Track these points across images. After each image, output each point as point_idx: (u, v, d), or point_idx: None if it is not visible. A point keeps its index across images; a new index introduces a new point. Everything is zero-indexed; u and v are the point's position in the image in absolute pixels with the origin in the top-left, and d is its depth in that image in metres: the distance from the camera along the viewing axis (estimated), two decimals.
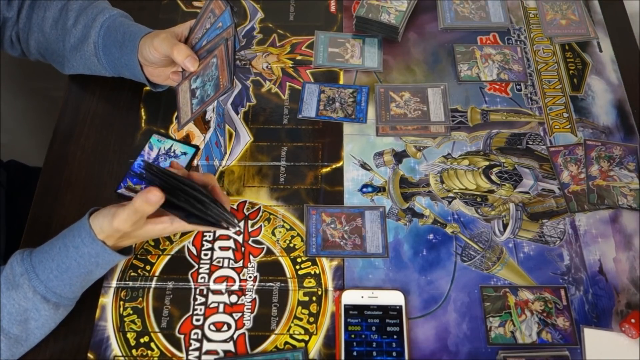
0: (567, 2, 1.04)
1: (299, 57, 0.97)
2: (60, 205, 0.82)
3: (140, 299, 0.75)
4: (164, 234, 0.71)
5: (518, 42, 0.99)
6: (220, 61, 0.74)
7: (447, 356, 0.72)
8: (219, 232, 0.80)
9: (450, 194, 0.84)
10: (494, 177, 0.86)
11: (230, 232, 0.80)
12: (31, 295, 0.66)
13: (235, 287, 0.76)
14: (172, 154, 0.86)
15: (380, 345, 0.71)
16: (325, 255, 0.78)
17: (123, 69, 0.85)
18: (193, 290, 0.76)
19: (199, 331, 0.73)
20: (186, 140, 0.87)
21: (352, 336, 0.71)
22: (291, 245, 0.79)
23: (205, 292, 0.76)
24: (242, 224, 0.81)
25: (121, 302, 0.75)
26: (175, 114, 0.89)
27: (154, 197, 0.64)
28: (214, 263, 0.78)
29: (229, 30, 0.75)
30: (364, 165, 0.86)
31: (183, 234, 0.79)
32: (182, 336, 0.73)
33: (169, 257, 0.78)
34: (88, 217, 0.69)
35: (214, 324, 0.74)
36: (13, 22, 0.85)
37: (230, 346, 0.72)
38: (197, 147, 0.86)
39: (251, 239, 0.80)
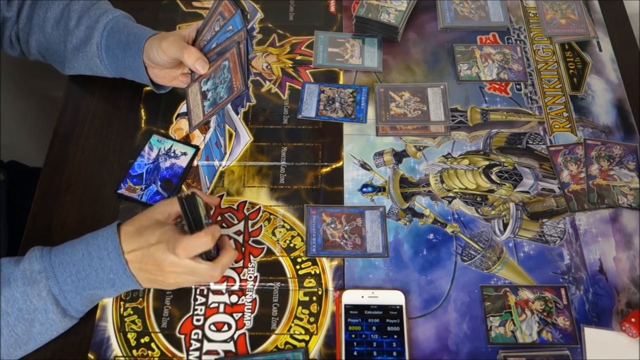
0: (566, 2, 1.04)
1: (298, 57, 0.97)
2: (60, 206, 0.82)
3: (141, 299, 0.75)
4: (172, 266, 0.67)
5: (518, 42, 0.99)
6: (233, 64, 0.75)
7: (447, 356, 0.72)
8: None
9: (450, 194, 0.84)
10: (494, 177, 0.86)
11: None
12: (45, 294, 0.66)
13: (236, 287, 0.76)
14: (172, 154, 0.86)
15: (381, 345, 0.71)
16: (325, 255, 0.78)
17: (126, 71, 0.85)
18: (193, 291, 0.76)
19: (199, 331, 0.73)
20: (186, 141, 0.87)
21: (353, 336, 0.71)
22: (291, 245, 0.79)
23: (205, 292, 0.76)
24: (242, 224, 0.81)
25: (121, 303, 0.75)
26: (176, 114, 0.89)
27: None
28: None
29: (240, 34, 0.76)
30: (364, 165, 0.86)
31: None
32: (182, 336, 0.73)
33: None
34: (117, 228, 0.68)
35: (214, 324, 0.74)
36: (13, 22, 0.85)
37: (230, 346, 0.72)
38: (197, 147, 0.86)
39: (251, 239, 0.80)
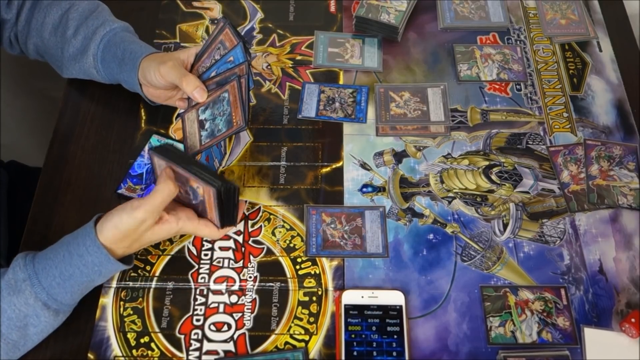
0: (566, 2, 1.04)
1: (298, 57, 0.97)
2: (60, 206, 0.82)
3: (141, 299, 0.75)
4: (169, 234, 0.72)
5: (518, 42, 0.99)
6: (233, 98, 0.74)
7: (447, 356, 0.72)
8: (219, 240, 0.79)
9: (450, 194, 0.84)
10: (493, 177, 0.86)
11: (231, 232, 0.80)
12: (32, 301, 0.66)
13: (236, 287, 0.76)
14: None
15: (381, 345, 0.71)
16: (325, 255, 0.78)
17: (123, 83, 0.85)
18: (193, 291, 0.76)
19: (199, 331, 0.73)
20: None
21: (353, 336, 0.71)
22: (291, 245, 0.79)
23: (205, 292, 0.76)
24: (242, 224, 0.81)
25: (121, 303, 0.75)
26: (176, 114, 0.89)
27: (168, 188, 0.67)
28: (214, 263, 0.78)
29: (242, 67, 0.74)
30: (364, 165, 0.86)
31: (182, 235, 0.79)
32: (182, 336, 0.73)
33: (169, 257, 0.78)
34: (94, 224, 0.68)
35: (214, 324, 0.74)
36: (12, 23, 0.85)
37: (230, 346, 0.72)
38: None
39: (251, 239, 0.80)
